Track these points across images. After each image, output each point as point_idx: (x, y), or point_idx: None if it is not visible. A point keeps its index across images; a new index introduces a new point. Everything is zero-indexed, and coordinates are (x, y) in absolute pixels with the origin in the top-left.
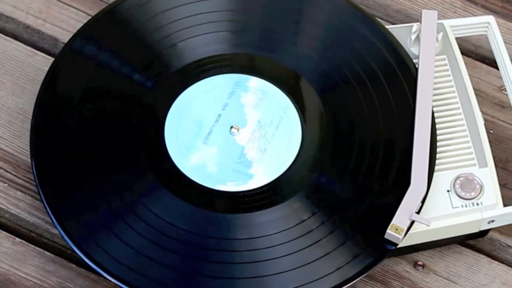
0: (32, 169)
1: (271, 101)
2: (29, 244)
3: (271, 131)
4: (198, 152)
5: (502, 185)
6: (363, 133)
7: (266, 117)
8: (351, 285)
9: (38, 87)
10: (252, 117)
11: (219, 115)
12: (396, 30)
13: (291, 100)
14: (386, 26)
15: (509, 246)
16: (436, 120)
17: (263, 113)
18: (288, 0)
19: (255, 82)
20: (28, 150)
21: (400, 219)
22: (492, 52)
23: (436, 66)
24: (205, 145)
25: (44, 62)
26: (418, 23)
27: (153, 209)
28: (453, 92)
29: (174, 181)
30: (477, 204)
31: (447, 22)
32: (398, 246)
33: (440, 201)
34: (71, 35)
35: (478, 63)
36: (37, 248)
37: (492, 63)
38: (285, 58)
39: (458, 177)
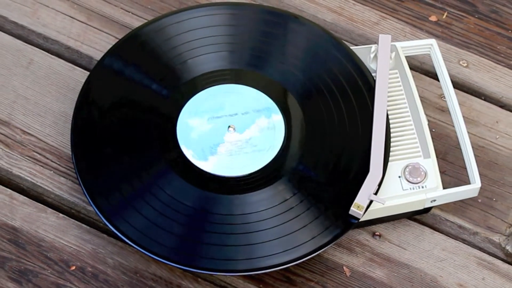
0: (72, 160)
1: (271, 135)
2: (70, 219)
3: (247, 150)
4: (198, 120)
5: (442, 172)
6: (333, 133)
7: (256, 140)
8: (323, 251)
9: (77, 95)
10: (249, 132)
11: (236, 113)
12: (358, 50)
13: (283, 140)
14: (351, 47)
15: (447, 220)
16: (390, 121)
17: (258, 137)
18: (275, 27)
19: (277, 117)
20: (69, 145)
21: (361, 198)
22: (434, 67)
23: (390, 78)
24: (206, 121)
25: (81, 75)
26: (376, 45)
27: (160, 182)
28: (403, 99)
29: (171, 129)
30: (422, 187)
31: (398, 44)
32: (359, 220)
33: (393, 185)
34: (103, 54)
35: (423, 76)
36: (76, 221)
37: (434, 76)
38: (269, 71)
39: (407, 166)
